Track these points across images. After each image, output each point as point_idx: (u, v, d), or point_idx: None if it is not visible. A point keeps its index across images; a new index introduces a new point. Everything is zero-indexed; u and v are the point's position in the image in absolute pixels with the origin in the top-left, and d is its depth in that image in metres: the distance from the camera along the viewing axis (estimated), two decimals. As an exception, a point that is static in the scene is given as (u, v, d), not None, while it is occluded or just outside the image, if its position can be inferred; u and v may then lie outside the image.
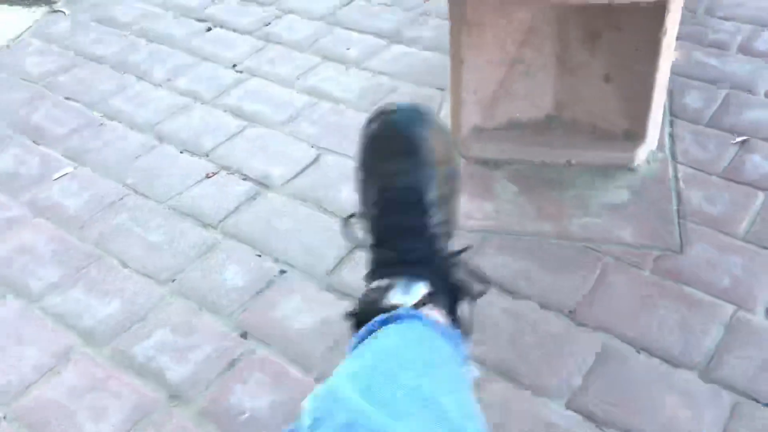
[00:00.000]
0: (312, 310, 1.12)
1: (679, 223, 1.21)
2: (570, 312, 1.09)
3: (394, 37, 1.81)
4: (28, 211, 1.36)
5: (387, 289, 0.75)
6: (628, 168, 1.32)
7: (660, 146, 1.36)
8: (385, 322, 0.71)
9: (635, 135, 1.31)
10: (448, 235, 0.82)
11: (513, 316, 1.09)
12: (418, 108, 0.82)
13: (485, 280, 0.83)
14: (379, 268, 0.79)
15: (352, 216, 0.84)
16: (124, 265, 1.23)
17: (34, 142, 1.55)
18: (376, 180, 0.81)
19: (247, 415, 0.99)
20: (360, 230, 0.82)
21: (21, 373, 1.07)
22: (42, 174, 1.45)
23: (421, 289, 0.76)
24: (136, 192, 1.39)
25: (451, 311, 0.79)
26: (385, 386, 0.62)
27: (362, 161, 0.84)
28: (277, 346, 1.07)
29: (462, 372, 0.72)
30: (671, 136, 1.40)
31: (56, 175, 1.44)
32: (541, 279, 1.14)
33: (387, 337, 0.70)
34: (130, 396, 1.02)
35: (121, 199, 1.37)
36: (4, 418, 1.01)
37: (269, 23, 1.91)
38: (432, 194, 0.80)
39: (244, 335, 1.10)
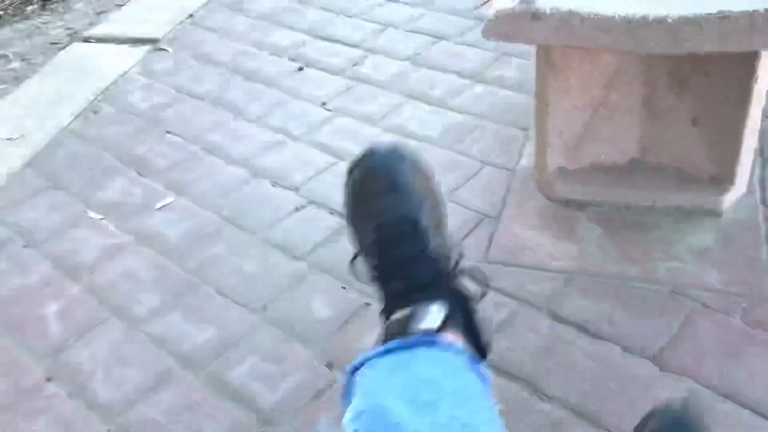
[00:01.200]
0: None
1: (769, 270, 1.19)
2: (654, 357, 1.08)
3: (476, 77, 1.85)
4: (133, 238, 1.46)
5: (408, 318, 0.78)
6: (715, 213, 1.30)
7: (749, 191, 1.34)
8: (414, 345, 0.74)
9: (723, 180, 1.30)
10: (448, 257, 0.86)
11: (596, 359, 1.09)
12: (392, 147, 0.89)
13: (485, 280, 0.86)
14: (394, 301, 0.82)
15: (355, 257, 0.88)
16: (220, 293, 1.30)
17: (138, 173, 1.66)
18: (368, 222, 0.86)
19: (332, 443, 1.03)
20: (364, 269, 0.87)
21: (124, 392, 1.14)
22: (145, 204, 1.55)
23: (438, 311, 0.78)
24: (231, 223, 1.47)
25: (469, 326, 0.81)
26: (426, 413, 0.65)
27: (351, 208, 0.89)
28: (361, 378, 1.12)
29: (492, 404, 0.74)
30: (762, 181, 1.38)
31: (158, 205, 1.54)
32: (624, 322, 1.14)
33: (422, 364, 0.73)
34: (224, 418, 1.08)
35: (218, 230, 1.45)
36: (109, 432, 1.08)
37: (357, 63, 1.99)
38: (424, 219, 0.84)
39: (329, 365, 1.14)
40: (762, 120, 1.31)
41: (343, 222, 1.41)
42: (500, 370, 1.09)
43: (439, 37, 2.06)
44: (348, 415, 0.70)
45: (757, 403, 1.01)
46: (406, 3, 2.28)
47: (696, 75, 1.24)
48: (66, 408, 1.12)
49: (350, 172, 0.90)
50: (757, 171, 1.40)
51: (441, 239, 0.86)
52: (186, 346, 1.21)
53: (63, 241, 1.47)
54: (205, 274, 1.35)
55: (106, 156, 1.73)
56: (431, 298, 0.80)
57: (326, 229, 1.42)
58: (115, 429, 1.08)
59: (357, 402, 0.71)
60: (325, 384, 1.11)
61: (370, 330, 1.19)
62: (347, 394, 0.75)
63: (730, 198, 1.31)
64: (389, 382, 0.71)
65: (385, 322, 0.82)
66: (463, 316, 0.82)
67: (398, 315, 0.80)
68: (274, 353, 1.18)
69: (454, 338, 0.78)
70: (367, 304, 1.24)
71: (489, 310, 1.19)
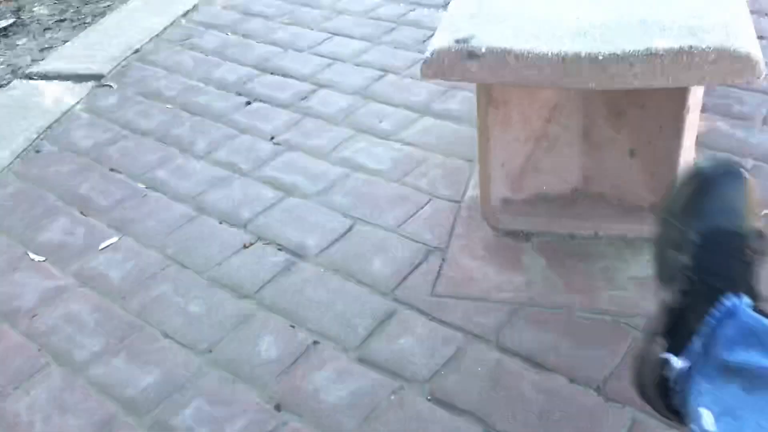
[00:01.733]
0: (344, 382, 1.15)
1: (707, 296, 1.22)
2: (598, 387, 1.10)
3: (424, 110, 1.87)
4: (75, 280, 1.43)
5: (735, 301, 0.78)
6: (656, 241, 1.33)
7: (687, 218, 1.38)
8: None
9: (662, 208, 1.33)
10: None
11: (543, 391, 1.10)
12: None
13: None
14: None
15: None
16: (165, 335, 1.28)
17: (81, 213, 1.62)
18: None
19: (280, 487, 1.01)
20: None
21: (64, 441, 1.11)
22: (88, 244, 1.52)
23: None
24: (176, 262, 1.44)
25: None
26: None
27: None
28: (309, 418, 1.10)
29: None
30: (698, 208, 1.42)
31: (102, 246, 1.51)
32: (570, 352, 1.16)
33: None
34: (167, 466, 1.05)
35: (163, 269, 1.43)
36: (47, 486, 1.04)
37: (305, 97, 1.99)
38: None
39: (277, 407, 1.13)
40: (695, 148, 1.35)
41: (292, 258, 1.42)
42: (449, 405, 1.09)
43: (386, 71, 2.08)
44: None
45: (699, 429, 1.02)
46: (352, 37, 2.30)
47: (632, 107, 1.28)
48: (2, 462, 1.08)
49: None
50: (695, 198, 1.44)
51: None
52: (130, 390, 1.18)
53: (2, 285, 1.43)
54: (149, 316, 1.32)
55: (48, 196, 1.69)
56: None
57: (274, 266, 1.41)
58: (53, 482, 1.05)
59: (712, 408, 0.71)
60: (274, 426, 1.09)
61: (320, 369, 1.18)
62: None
63: (669, 226, 1.34)
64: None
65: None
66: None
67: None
68: (220, 396, 1.15)
69: None
70: (316, 343, 1.23)
71: (437, 344, 1.20)
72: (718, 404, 0.71)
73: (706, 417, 0.70)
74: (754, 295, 0.83)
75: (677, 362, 0.80)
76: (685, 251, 0.86)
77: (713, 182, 0.87)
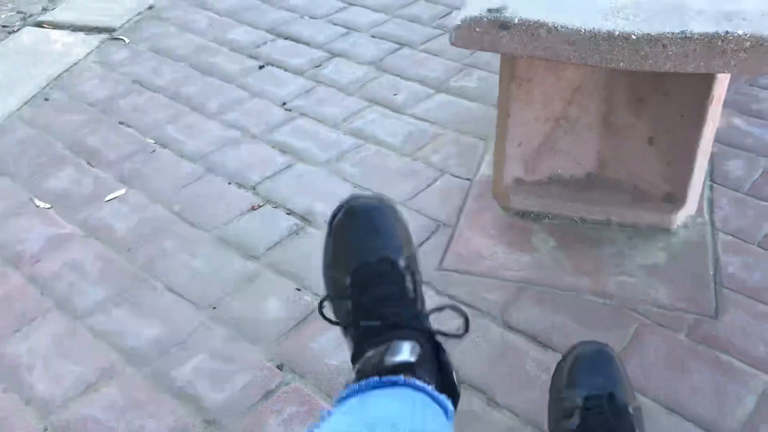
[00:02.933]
0: (347, 347, 1.15)
1: (715, 289, 1.22)
2: (603, 369, 1.10)
3: (439, 86, 1.86)
4: (80, 229, 1.41)
5: (384, 353, 0.78)
6: (667, 230, 1.33)
7: (699, 211, 1.38)
8: (381, 384, 0.74)
9: (675, 198, 1.33)
10: (422, 301, 0.87)
11: (545, 369, 1.10)
12: (373, 196, 0.93)
13: (463, 313, 0.86)
14: (366, 340, 0.82)
15: (324, 300, 0.88)
16: (169, 289, 1.27)
17: (88, 163, 1.61)
18: (346, 265, 0.87)
19: (279, 446, 1.01)
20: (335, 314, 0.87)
21: (63, 387, 1.10)
22: (95, 195, 1.51)
23: (411, 348, 0.78)
24: (183, 219, 1.43)
25: (438, 370, 0.81)
26: None
27: (333, 250, 0.91)
28: (311, 379, 1.10)
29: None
30: (711, 202, 1.41)
31: (108, 197, 1.50)
32: (574, 334, 1.15)
33: (382, 404, 0.73)
34: (167, 417, 1.05)
35: (169, 224, 1.42)
36: (45, 430, 1.04)
37: (319, 65, 1.97)
38: (402, 262, 0.86)
39: (280, 366, 1.12)
40: (713, 143, 1.35)
41: (300, 223, 1.41)
42: (452, 377, 1.09)
43: (402, 44, 2.06)
44: None
45: (700, 416, 1.02)
46: (369, 8, 2.28)
47: (655, 94, 1.27)
48: (0, 403, 1.07)
49: (331, 221, 0.92)
50: (707, 192, 1.43)
51: (416, 285, 0.87)
52: (131, 341, 1.17)
53: (6, 229, 1.41)
54: (153, 269, 1.31)
55: (56, 144, 1.67)
56: (405, 337, 0.79)
57: (282, 230, 1.40)
58: (51, 425, 1.04)
59: None
60: (276, 385, 1.09)
61: (324, 332, 1.17)
62: None
63: (682, 217, 1.34)
64: (347, 421, 0.70)
65: (355, 366, 0.81)
66: (433, 359, 0.82)
67: (371, 353, 0.79)
68: (222, 352, 1.15)
69: (422, 379, 0.77)
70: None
71: (443, 318, 1.19)
72: None
73: None
74: None
75: None
76: (574, 416, 0.90)
77: (586, 358, 0.94)
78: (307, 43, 2.09)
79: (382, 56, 2.00)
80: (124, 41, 2.13)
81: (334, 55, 2.02)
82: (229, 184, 1.53)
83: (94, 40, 2.13)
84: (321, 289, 1.25)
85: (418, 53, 2.01)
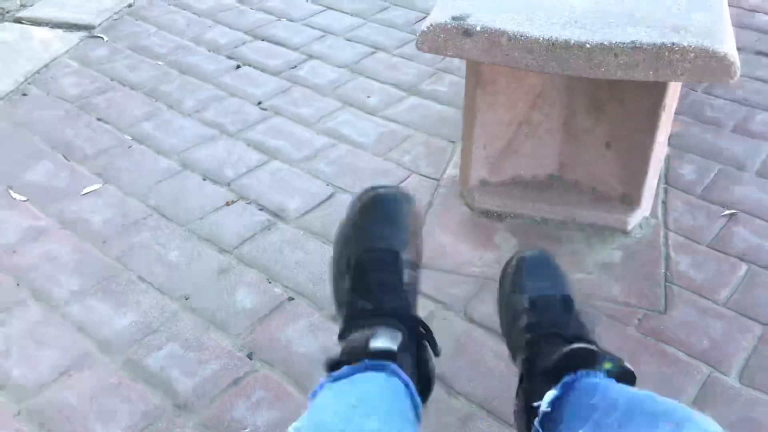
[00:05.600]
0: (316, 337, 1.20)
1: (665, 285, 1.29)
2: (557, 360, 1.15)
3: (411, 89, 1.91)
4: (56, 222, 1.44)
5: (369, 337, 0.82)
6: (623, 231, 1.40)
7: (653, 212, 1.45)
8: (366, 368, 0.79)
9: (631, 200, 1.40)
10: (415, 296, 0.93)
11: (503, 359, 1.15)
12: (401, 189, 0.99)
13: (437, 348, 0.90)
14: (356, 320, 0.87)
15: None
16: (142, 280, 1.31)
17: (65, 157, 1.64)
18: (357, 244, 0.92)
19: (247, 430, 1.05)
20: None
21: (38, 372, 1.13)
22: (71, 188, 1.54)
23: (394, 338, 0.83)
24: (158, 213, 1.47)
25: (417, 362, 0.86)
26: (358, 426, 0.70)
27: (352, 224, 0.95)
28: (280, 367, 1.14)
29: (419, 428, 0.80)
30: (665, 204, 1.49)
31: (84, 191, 1.53)
32: (532, 327, 1.21)
33: (365, 386, 0.77)
34: (139, 402, 1.09)
35: (144, 218, 1.46)
36: (18, 413, 1.07)
37: (295, 66, 2.02)
38: (405, 256, 0.92)
39: (250, 356, 1.17)
40: (667, 147, 1.42)
41: (272, 219, 1.45)
42: (414, 366, 1.14)
43: (377, 48, 2.11)
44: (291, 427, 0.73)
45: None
46: (345, 12, 2.33)
47: (612, 101, 1.34)
48: (-25, 386, 1.11)
49: (359, 198, 0.97)
50: (661, 194, 1.51)
51: (414, 278, 0.93)
52: (105, 330, 1.21)
53: (-18, 221, 1.44)
54: (128, 262, 1.35)
55: (33, 138, 1.70)
56: (392, 325, 0.84)
57: (255, 225, 1.44)
58: (25, 410, 1.08)
59: (301, 419, 0.74)
60: (245, 372, 1.13)
61: (294, 322, 1.22)
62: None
63: (636, 218, 1.41)
64: (333, 402, 0.75)
65: (341, 343, 0.85)
66: (415, 353, 0.86)
67: (357, 335, 0.84)
68: (193, 341, 1.19)
69: (402, 364, 0.82)
70: (291, 299, 1.27)
71: (407, 310, 1.24)
72: None
73: None
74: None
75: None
76: (522, 317, 0.94)
77: (529, 263, 0.97)
78: (284, 45, 2.13)
79: (357, 59, 2.06)
80: (103, 39, 2.16)
81: (310, 57, 2.07)
82: (205, 180, 1.57)
83: (73, 37, 2.16)
84: (291, 282, 1.30)
85: (392, 57, 2.07)
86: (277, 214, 1.47)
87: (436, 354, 0.91)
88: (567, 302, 0.93)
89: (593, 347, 0.86)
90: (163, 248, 1.38)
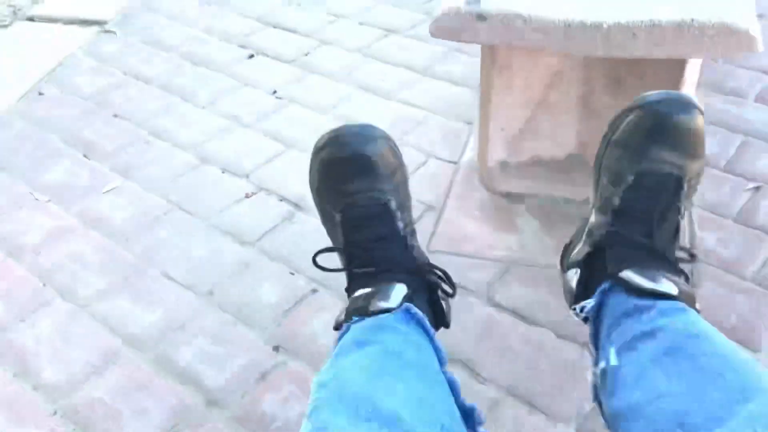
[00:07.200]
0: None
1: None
2: (584, 343, 1.15)
3: (425, 71, 1.90)
4: (78, 221, 1.46)
5: (371, 296, 0.80)
6: (645, 208, 1.38)
7: (676, 188, 1.43)
8: (379, 323, 0.77)
9: (653, 177, 1.38)
10: (414, 233, 0.87)
11: (530, 344, 1.16)
12: (364, 125, 0.88)
13: (453, 283, 0.87)
14: (359, 279, 0.83)
15: (318, 254, 0.88)
16: (167, 276, 1.32)
17: (84, 156, 1.65)
18: (336, 202, 0.86)
19: (278, 423, 1.06)
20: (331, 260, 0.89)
21: (69, 372, 1.15)
22: (91, 187, 1.55)
23: (400, 291, 0.80)
24: (179, 208, 1.48)
25: (430, 305, 0.84)
26: (385, 388, 0.68)
27: (318, 187, 0.88)
28: (307, 360, 1.15)
29: (443, 378, 0.78)
30: (688, 179, 1.46)
31: (105, 189, 1.54)
32: (558, 310, 1.21)
33: (388, 337, 0.75)
34: (170, 399, 1.10)
35: (165, 214, 1.46)
36: (54, 413, 1.09)
37: (308, 53, 2.01)
38: (393, 202, 0.86)
39: (276, 348, 1.17)
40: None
41: (293, 209, 1.46)
42: (440, 354, 1.15)
43: (390, 30, 2.10)
44: (315, 379, 0.72)
45: (676, 385, 1.08)
46: (357, -5, 2.31)
47: (631, 77, 1.31)
48: (10, 389, 1.13)
49: (319, 149, 0.88)
50: (685, 170, 1.48)
51: (408, 218, 0.88)
52: (133, 327, 1.22)
53: (7, 222, 1.46)
54: (151, 258, 1.36)
55: (52, 138, 1.71)
56: (394, 279, 0.81)
57: (276, 217, 1.45)
58: (61, 409, 1.09)
59: (326, 369, 0.73)
60: (272, 366, 1.14)
61: (319, 315, 1.22)
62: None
63: (659, 194, 1.39)
64: (355, 357, 0.73)
65: (348, 298, 0.84)
66: (425, 296, 0.84)
67: (361, 292, 0.81)
68: (220, 336, 1.20)
69: (416, 311, 0.80)
70: (315, 291, 1.27)
71: (431, 297, 1.24)
72: (621, 339, 0.73)
73: (612, 353, 0.73)
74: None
75: (588, 302, 0.82)
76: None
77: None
78: (295, 32, 2.12)
79: (369, 43, 2.04)
80: (115, 33, 2.16)
81: (322, 42, 2.06)
82: (223, 172, 1.58)
83: (86, 33, 2.16)
84: (314, 274, 1.30)
85: (405, 39, 2.05)
86: (298, 205, 1.47)
87: (452, 294, 0.87)
88: (678, 187, 0.79)
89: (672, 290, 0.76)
90: (185, 243, 1.39)
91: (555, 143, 1.43)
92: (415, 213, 1.42)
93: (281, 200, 1.48)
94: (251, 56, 2.01)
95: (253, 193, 1.51)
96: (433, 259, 1.31)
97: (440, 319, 0.87)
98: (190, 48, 2.07)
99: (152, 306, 1.26)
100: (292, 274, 1.31)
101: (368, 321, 0.77)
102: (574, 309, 0.85)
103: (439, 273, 0.87)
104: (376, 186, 0.86)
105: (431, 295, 0.86)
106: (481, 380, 1.10)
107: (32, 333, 1.22)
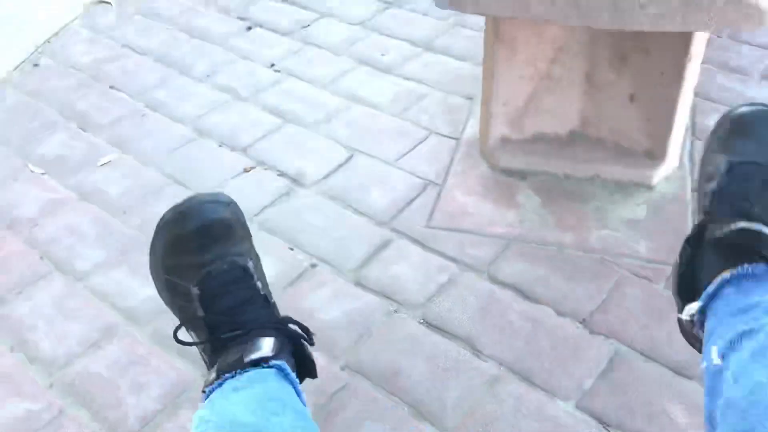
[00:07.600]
0: (340, 303, 1.19)
1: (693, 240, 1.27)
2: (584, 320, 1.15)
3: (426, 45, 1.87)
4: (75, 194, 1.44)
5: (243, 350, 0.79)
6: (648, 186, 1.37)
7: (680, 166, 1.41)
8: (253, 375, 0.77)
9: (656, 154, 1.37)
10: (270, 293, 0.88)
11: (530, 320, 1.15)
12: (210, 194, 0.89)
13: (309, 332, 0.87)
14: (227, 343, 0.81)
15: (178, 328, 0.85)
16: (165, 250, 1.30)
17: (80, 128, 1.63)
18: (194, 274, 0.84)
19: (276, 397, 1.05)
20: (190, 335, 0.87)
21: (67, 345, 1.14)
22: (87, 159, 1.53)
23: (269, 342, 0.80)
24: (176, 182, 1.46)
25: (293, 355, 0.84)
26: (275, 422, 0.71)
27: (167, 264, 0.86)
28: (306, 335, 1.14)
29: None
30: (691, 157, 1.45)
31: (101, 162, 1.52)
32: (558, 287, 1.20)
33: (264, 384, 0.76)
34: (169, 373, 1.09)
35: (162, 188, 1.45)
36: (51, 386, 1.08)
37: (308, 25, 1.98)
38: (251, 263, 0.86)
39: (275, 323, 1.16)
40: (693, 98, 1.38)
41: (291, 184, 1.44)
42: (440, 329, 1.14)
43: (389, 3, 2.07)
44: (196, 414, 0.73)
45: (676, 362, 1.08)
46: (357, -33, 2.27)
47: (636, 52, 1.29)
48: (6, 362, 1.12)
49: (167, 224, 0.88)
50: (688, 147, 1.47)
51: (263, 276, 0.88)
52: (131, 301, 1.21)
53: (2, 195, 1.44)
54: (149, 231, 1.34)
55: (47, 110, 1.69)
56: (264, 335, 0.80)
57: (274, 191, 1.43)
58: (57, 382, 1.09)
59: (206, 407, 0.73)
60: (270, 340, 1.14)
61: (318, 290, 1.22)
62: None
63: (662, 172, 1.38)
64: (236, 398, 0.74)
65: (212, 369, 0.81)
66: (290, 348, 0.84)
67: (231, 351, 0.79)
68: (219, 310, 1.19)
69: (285, 366, 0.80)
70: (314, 266, 1.26)
71: (431, 272, 1.24)
72: (724, 338, 0.73)
73: (713, 352, 0.73)
74: None
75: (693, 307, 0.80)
76: (713, 180, 0.83)
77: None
78: (294, 3, 2.09)
79: (369, 16, 2.01)
80: (110, 5, 2.13)
81: (321, 15, 2.03)
82: (221, 146, 1.56)
83: (81, 4, 2.12)
84: (313, 249, 1.29)
85: (405, 12, 2.02)
86: (296, 180, 1.45)
87: (311, 343, 0.87)
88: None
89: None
90: (183, 217, 1.37)
91: (557, 119, 1.42)
92: (417, 189, 1.41)
93: (280, 175, 1.47)
94: (249, 28, 1.98)
95: (252, 168, 1.49)
96: (433, 235, 1.31)
97: (303, 368, 0.86)
98: (188, 20, 2.04)
99: (150, 280, 1.25)
100: (291, 249, 1.30)
101: (243, 375, 0.77)
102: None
103: (299, 324, 0.87)
104: (234, 249, 0.86)
105: (295, 347, 0.85)
106: (481, 357, 1.10)
107: (29, 306, 1.21)
